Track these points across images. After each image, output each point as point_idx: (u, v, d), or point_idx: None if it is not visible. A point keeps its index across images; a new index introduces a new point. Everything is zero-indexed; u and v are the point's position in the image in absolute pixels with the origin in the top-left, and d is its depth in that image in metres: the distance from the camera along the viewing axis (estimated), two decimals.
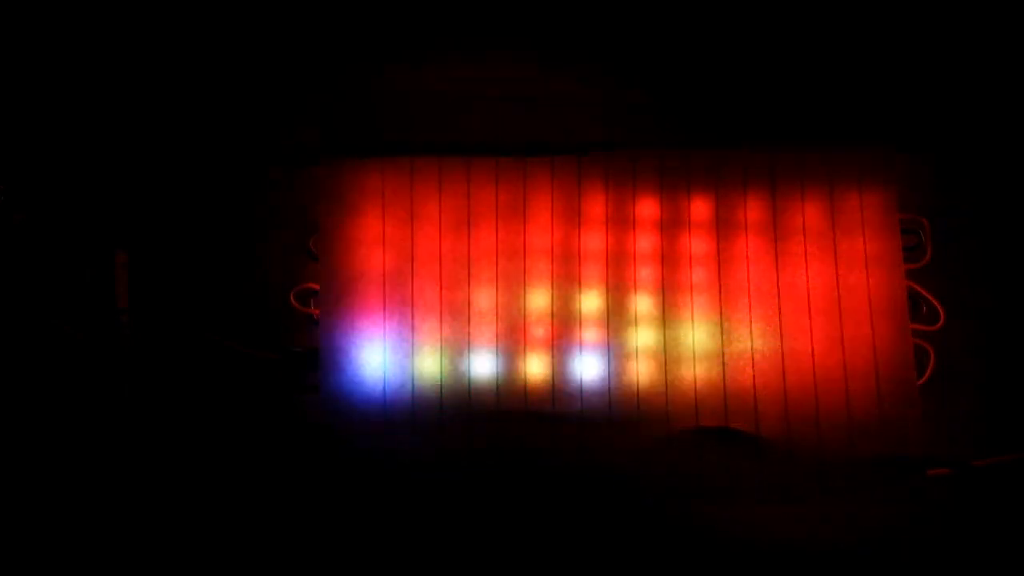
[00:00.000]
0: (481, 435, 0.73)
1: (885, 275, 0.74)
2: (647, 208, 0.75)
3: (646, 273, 0.75)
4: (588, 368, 0.74)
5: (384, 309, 0.75)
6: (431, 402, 0.74)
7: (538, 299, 0.75)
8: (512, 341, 0.74)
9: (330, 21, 0.79)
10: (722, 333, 0.74)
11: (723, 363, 0.73)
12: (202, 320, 0.77)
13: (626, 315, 0.74)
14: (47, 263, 0.75)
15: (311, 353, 0.75)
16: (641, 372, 0.74)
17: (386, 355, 0.74)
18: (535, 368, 0.74)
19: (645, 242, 0.75)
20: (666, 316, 0.74)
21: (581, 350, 0.74)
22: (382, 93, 0.80)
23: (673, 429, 0.73)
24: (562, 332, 0.74)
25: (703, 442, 0.73)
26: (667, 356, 0.74)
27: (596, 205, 0.75)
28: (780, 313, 0.74)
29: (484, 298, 0.75)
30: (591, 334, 0.74)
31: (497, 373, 0.74)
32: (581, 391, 0.74)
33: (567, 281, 0.75)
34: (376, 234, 0.75)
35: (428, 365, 0.74)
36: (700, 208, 0.75)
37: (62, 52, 0.79)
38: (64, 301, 0.75)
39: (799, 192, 0.75)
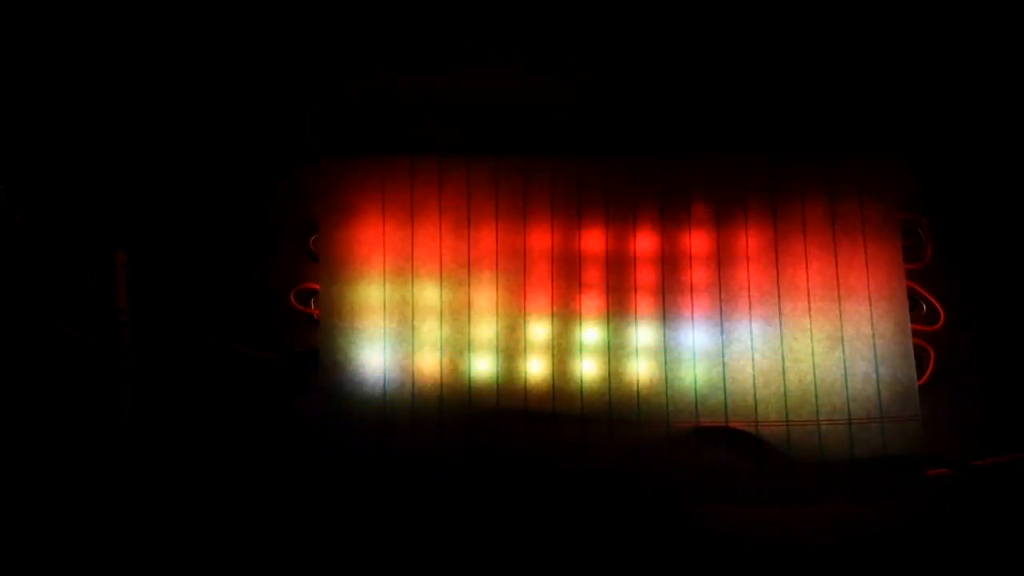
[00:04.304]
0: (481, 435, 0.73)
1: (885, 275, 0.74)
2: (647, 208, 0.75)
3: (646, 273, 0.75)
4: (588, 368, 0.74)
5: (384, 309, 0.75)
6: (431, 402, 0.74)
7: (538, 299, 0.75)
8: (512, 341, 0.74)
9: (330, 23, 0.79)
10: (722, 333, 0.74)
11: (723, 363, 0.74)
12: (202, 320, 0.77)
13: (626, 315, 0.74)
14: (47, 263, 0.75)
15: (311, 353, 0.75)
16: (641, 372, 0.74)
17: (386, 355, 0.74)
18: (535, 368, 0.74)
19: (645, 242, 0.75)
20: (666, 316, 0.74)
21: (581, 350, 0.74)
22: (382, 94, 0.80)
23: (673, 429, 0.73)
24: (562, 332, 0.74)
25: (703, 442, 0.73)
26: (667, 356, 0.74)
27: (596, 205, 0.75)
28: (780, 313, 0.74)
29: (484, 298, 0.75)
30: (591, 334, 0.74)
31: (497, 373, 0.74)
32: (581, 391, 0.74)
33: (567, 281, 0.75)
34: (376, 234, 0.75)
35: (428, 365, 0.74)
36: (700, 208, 0.75)
37: (64, 53, 0.79)
38: (64, 301, 0.75)
39: (799, 192, 0.75)
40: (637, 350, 0.74)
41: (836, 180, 0.75)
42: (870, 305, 0.73)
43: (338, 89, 0.80)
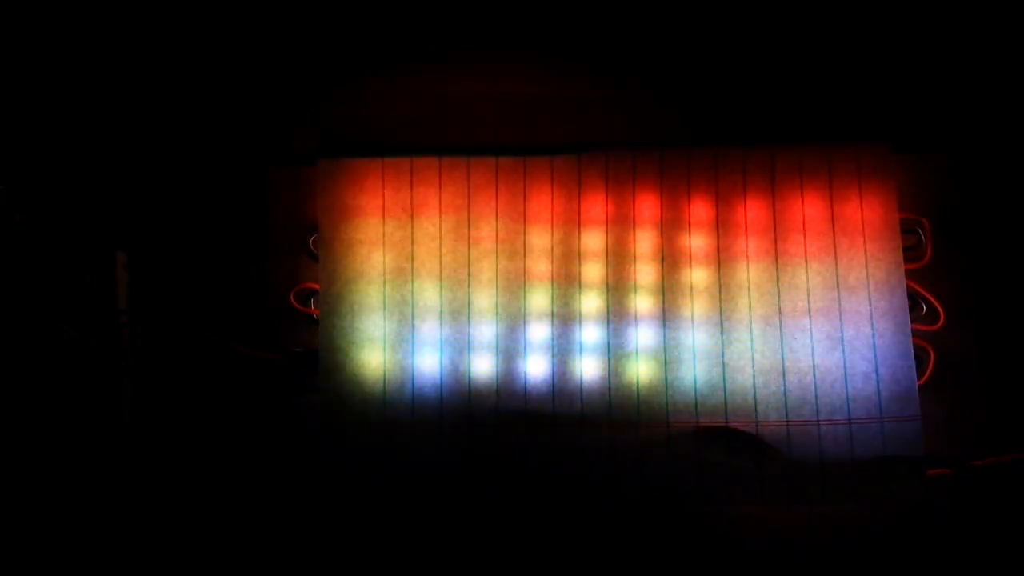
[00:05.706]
0: (481, 435, 0.73)
1: (885, 275, 0.74)
2: (647, 208, 0.75)
3: (646, 273, 0.75)
4: (588, 368, 0.74)
5: (384, 309, 0.75)
6: (431, 402, 0.74)
7: (538, 299, 0.75)
8: (512, 341, 0.74)
9: (330, 24, 0.79)
10: (722, 333, 0.74)
11: (723, 363, 0.73)
12: (202, 320, 0.77)
13: (626, 315, 0.74)
14: (47, 263, 0.75)
15: (311, 353, 0.75)
16: (641, 372, 0.74)
17: (386, 355, 0.74)
18: (535, 368, 0.74)
19: (645, 242, 0.75)
20: (666, 316, 0.74)
21: (581, 350, 0.74)
22: (382, 93, 0.80)
23: (673, 429, 0.73)
24: (562, 332, 0.74)
25: (703, 442, 0.73)
26: (667, 356, 0.74)
27: (596, 205, 0.75)
28: (780, 313, 0.74)
29: (484, 298, 0.75)
30: (591, 334, 0.74)
31: (497, 373, 0.74)
32: (581, 391, 0.74)
33: (567, 281, 0.75)
34: (376, 234, 0.75)
35: (428, 365, 0.74)
36: (700, 208, 0.75)
37: (63, 53, 0.79)
38: (64, 301, 0.75)
39: (799, 192, 0.75)
40: (637, 350, 0.74)
41: (836, 180, 0.75)
42: (870, 305, 0.73)
43: (338, 89, 0.80)
